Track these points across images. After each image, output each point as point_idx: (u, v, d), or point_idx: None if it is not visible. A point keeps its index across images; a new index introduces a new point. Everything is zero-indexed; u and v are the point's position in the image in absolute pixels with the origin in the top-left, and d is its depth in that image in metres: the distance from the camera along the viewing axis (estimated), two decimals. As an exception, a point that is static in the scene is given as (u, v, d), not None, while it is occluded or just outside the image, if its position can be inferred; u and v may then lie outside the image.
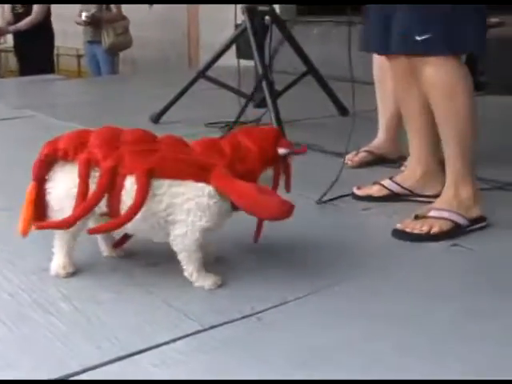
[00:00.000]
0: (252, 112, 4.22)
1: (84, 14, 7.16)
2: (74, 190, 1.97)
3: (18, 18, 7.47)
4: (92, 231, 2.02)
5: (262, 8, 4.15)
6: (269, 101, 3.81)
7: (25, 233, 2.06)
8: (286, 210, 1.90)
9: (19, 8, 7.48)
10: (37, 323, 1.83)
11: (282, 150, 2.04)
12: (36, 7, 7.38)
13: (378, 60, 3.32)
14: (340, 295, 1.97)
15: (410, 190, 2.77)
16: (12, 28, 7.44)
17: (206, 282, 2.00)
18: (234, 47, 6.93)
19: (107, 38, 7.18)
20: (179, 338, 1.75)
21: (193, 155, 2.00)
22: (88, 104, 5.28)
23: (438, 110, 2.48)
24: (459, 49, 2.43)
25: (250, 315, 1.85)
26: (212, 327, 1.80)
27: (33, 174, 2.07)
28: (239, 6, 4.26)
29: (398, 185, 2.79)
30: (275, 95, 3.94)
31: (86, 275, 2.12)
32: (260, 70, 3.97)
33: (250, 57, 4.23)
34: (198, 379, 1.58)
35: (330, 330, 1.80)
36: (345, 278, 2.05)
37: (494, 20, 5.70)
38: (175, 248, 2.00)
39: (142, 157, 1.95)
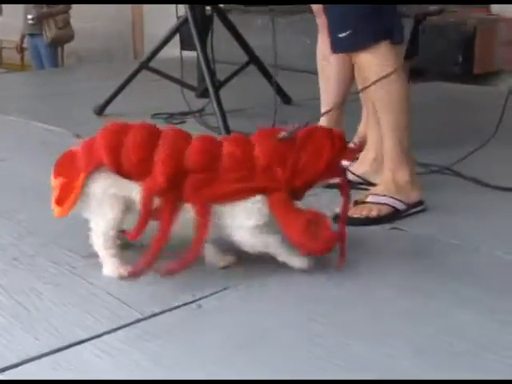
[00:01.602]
0: (196, 102, 4.22)
1: (29, 17, 7.06)
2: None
3: None
4: (168, 272, 1.91)
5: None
6: (211, 91, 3.80)
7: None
8: (327, 250, 1.95)
9: None
10: (-25, 317, 1.80)
11: (345, 163, 2.04)
12: None
13: (321, 50, 3.33)
14: (280, 282, 1.98)
15: (362, 178, 2.77)
16: None
17: (302, 261, 1.98)
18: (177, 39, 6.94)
19: (48, 32, 7.09)
20: (120, 328, 1.74)
21: (253, 176, 1.93)
22: (30, 97, 5.21)
23: (373, 97, 2.51)
24: (379, 40, 2.42)
25: (191, 302, 1.85)
26: (153, 315, 1.79)
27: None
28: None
29: (352, 173, 2.79)
30: (217, 85, 3.94)
31: (24, 268, 2.09)
32: (202, 61, 3.95)
33: (193, 48, 4.23)
34: (140, 367, 1.57)
35: (269, 314, 1.81)
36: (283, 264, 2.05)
37: (433, 8, 5.76)
38: (255, 250, 1.97)
39: (206, 186, 1.90)
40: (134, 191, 1.93)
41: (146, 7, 8.07)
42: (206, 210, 1.88)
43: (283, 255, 1.97)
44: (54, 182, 2.00)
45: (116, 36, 8.44)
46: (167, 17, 7.72)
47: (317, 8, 3.24)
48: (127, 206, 1.97)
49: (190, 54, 4.35)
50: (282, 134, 1.97)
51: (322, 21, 3.24)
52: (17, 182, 3.02)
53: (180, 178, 1.89)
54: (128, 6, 8.26)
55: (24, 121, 4.18)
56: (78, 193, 1.94)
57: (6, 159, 3.35)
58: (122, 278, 1.96)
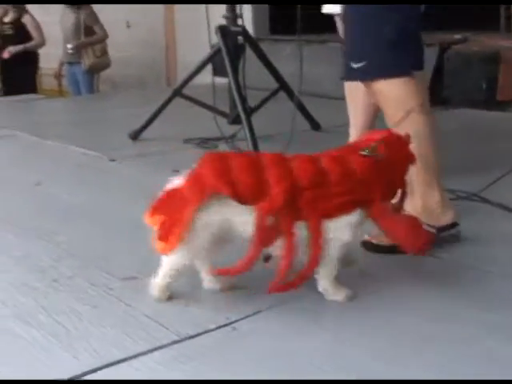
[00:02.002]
0: (227, 127, 4.23)
1: (69, 46, 7.15)
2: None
3: (5, 39, 7.44)
4: (274, 290, 1.89)
5: (234, 28, 4.15)
6: (243, 117, 3.81)
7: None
8: (429, 247, 2.04)
9: (7, 29, 7.46)
10: (17, 335, 1.80)
11: None
12: (36, 34, 7.43)
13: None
14: (311, 305, 1.96)
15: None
16: (12, 49, 7.35)
17: (340, 295, 1.96)
18: (210, 66, 6.97)
19: (87, 60, 7.16)
20: (156, 349, 1.73)
21: (355, 190, 1.93)
22: (68, 122, 5.27)
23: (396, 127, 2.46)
24: (394, 74, 2.36)
25: (225, 325, 1.84)
26: (188, 337, 1.78)
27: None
28: (213, 27, 4.27)
29: None
30: (249, 111, 3.94)
31: (64, 289, 2.10)
32: (234, 88, 3.96)
33: (225, 74, 4.25)
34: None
35: (301, 337, 1.79)
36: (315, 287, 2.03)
37: (457, 37, 5.75)
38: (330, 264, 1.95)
39: (320, 202, 1.89)
40: (245, 216, 1.87)
41: (179, 35, 8.12)
42: (320, 226, 1.88)
43: (327, 282, 1.95)
44: (152, 220, 1.92)
45: (149, 63, 8.50)
46: (199, 44, 7.77)
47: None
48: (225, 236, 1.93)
49: (221, 81, 4.36)
50: (365, 150, 1.97)
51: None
52: (55, 205, 3.03)
53: (294, 196, 1.87)
54: (161, 34, 8.33)
55: (61, 145, 4.21)
56: (186, 226, 1.85)
57: (44, 182, 3.37)
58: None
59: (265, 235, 1.85)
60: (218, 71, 4.54)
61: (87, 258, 2.34)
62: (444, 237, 2.43)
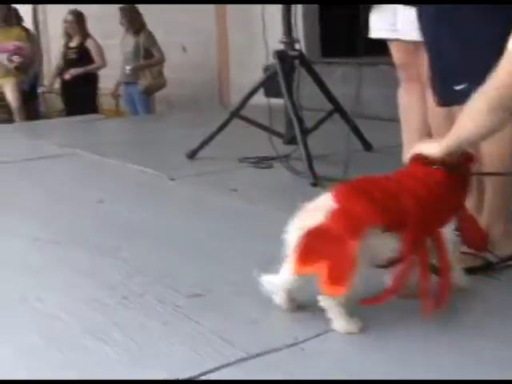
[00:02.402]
0: (282, 147, 4.21)
1: (127, 68, 7.24)
2: None
3: (69, 63, 7.58)
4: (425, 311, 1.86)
5: (292, 53, 4.15)
6: (299, 138, 3.79)
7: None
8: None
9: (72, 54, 7.60)
10: (89, 351, 1.80)
11: None
12: (98, 58, 7.55)
13: (403, 100, 3.29)
14: (379, 325, 1.92)
15: None
16: (73, 72, 7.49)
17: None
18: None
19: (143, 81, 7.23)
20: (224, 366, 1.72)
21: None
22: (127, 141, 5.28)
23: (481, 150, 2.33)
24: None
25: (293, 344, 1.81)
26: (256, 356, 1.76)
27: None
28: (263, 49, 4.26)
29: None
30: (305, 132, 3.93)
31: (134, 306, 2.09)
32: (290, 109, 3.95)
33: (275, 95, 4.25)
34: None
35: (370, 356, 1.75)
36: (382, 308, 1.99)
37: None
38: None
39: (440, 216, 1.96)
40: (391, 243, 1.85)
41: (232, 58, 8.15)
42: (443, 237, 1.94)
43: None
44: (311, 269, 1.82)
45: (203, 84, 8.54)
46: (251, 66, 7.80)
47: (402, 61, 3.20)
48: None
49: (273, 101, 4.34)
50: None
51: (406, 74, 3.21)
52: (116, 222, 3.04)
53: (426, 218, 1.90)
54: (215, 56, 8.37)
55: (121, 163, 4.23)
56: (353, 265, 1.78)
57: (105, 200, 3.39)
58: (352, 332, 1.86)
59: (411, 260, 1.85)
60: (270, 92, 4.55)
61: (153, 275, 2.34)
62: (506, 266, 2.36)
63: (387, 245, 1.85)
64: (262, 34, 4.23)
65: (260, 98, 4.60)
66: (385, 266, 1.92)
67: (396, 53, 3.23)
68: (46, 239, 2.77)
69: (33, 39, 8.21)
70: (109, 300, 2.13)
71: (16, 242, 2.75)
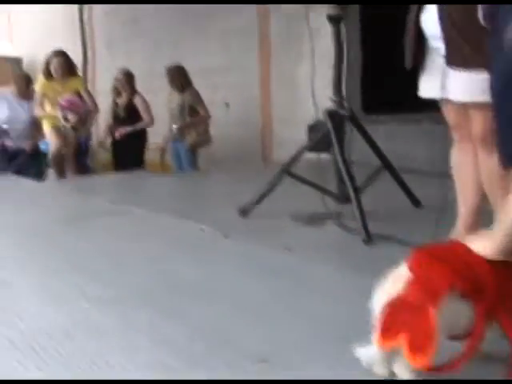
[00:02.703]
0: (332, 205, 4.18)
1: (174, 127, 7.32)
2: None
3: (117, 120, 7.67)
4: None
5: (342, 112, 4.14)
6: (353, 197, 3.76)
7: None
8: None
9: (121, 112, 7.71)
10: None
11: None
12: (146, 115, 7.59)
13: (457, 158, 3.25)
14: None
15: None
16: (122, 131, 7.57)
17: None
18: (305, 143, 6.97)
19: (189, 138, 7.30)
20: None
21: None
22: (178, 197, 5.31)
23: None
24: None
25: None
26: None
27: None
28: (312, 107, 4.25)
29: None
30: (358, 190, 3.90)
31: (201, 370, 2.05)
32: (342, 168, 3.93)
33: (320, 149, 4.24)
34: None
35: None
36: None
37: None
38: None
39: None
40: (466, 312, 1.81)
41: (275, 115, 8.20)
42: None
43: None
44: (394, 342, 1.78)
45: (246, 141, 8.58)
46: (294, 123, 7.82)
47: (455, 121, 3.18)
48: None
49: (313, 155, 4.33)
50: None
51: (459, 134, 3.18)
52: (176, 281, 3.01)
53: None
54: (258, 113, 8.42)
55: (176, 220, 4.23)
56: (435, 335, 1.73)
57: (163, 258, 3.37)
58: None
59: (483, 331, 1.79)
60: (316, 147, 4.54)
61: (218, 338, 2.29)
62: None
63: (464, 312, 1.79)
64: (311, 92, 4.22)
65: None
66: (459, 337, 1.86)
67: (448, 113, 3.21)
68: (109, 300, 2.75)
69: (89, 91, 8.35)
70: (174, 363, 2.09)
71: (81, 303, 2.73)
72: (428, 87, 3.20)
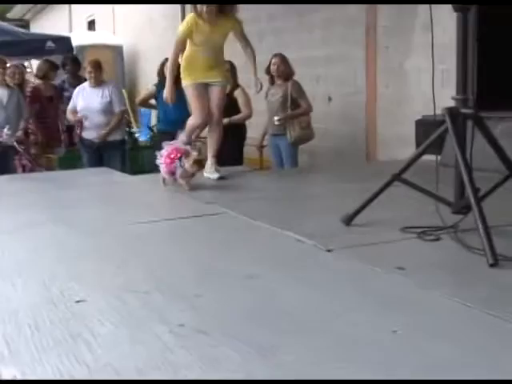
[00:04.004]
0: (448, 216, 3.63)
1: (275, 118, 6.82)
2: None
3: None
4: None
5: (465, 111, 3.57)
6: (476, 210, 3.19)
7: None
8: None
9: None
10: None
11: None
12: (244, 108, 7.06)
13: None
14: None
15: None
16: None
17: None
18: (411, 141, 6.41)
19: (292, 132, 6.79)
20: None
21: None
22: (276, 200, 4.81)
23: None
24: None
25: None
26: None
27: None
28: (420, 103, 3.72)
29: None
30: (479, 199, 3.33)
31: None
32: (464, 175, 3.37)
33: (432, 151, 3.71)
34: None
35: None
36: None
37: None
38: None
39: None
40: None
41: (380, 111, 7.65)
42: None
43: None
44: None
45: (349, 137, 8.07)
46: (400, 120, 7.27)
47: None
48: None
49: (423, 157, 3.78)
50: None
51: None
52: (272, 307, 2.54)
53: None
54: (362, 108, 7.89)
55: (273, 228, 3.76)
56: None
57: (257, 275, 2.91)
58: None
59: None
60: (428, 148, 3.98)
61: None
62: None
63: None
64: (431, 86, 3.68)
65: (409, 152, 4.05)
66: None
67: None
68: (191, 328, 2.31)
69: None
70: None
71: (159, 329, 2.30)
72: None
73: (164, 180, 5.14)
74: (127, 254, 3.35)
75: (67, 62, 9.17)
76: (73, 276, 2.97)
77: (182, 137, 5.59)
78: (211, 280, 2.89)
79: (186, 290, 2.74)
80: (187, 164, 4.87)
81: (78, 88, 7.63)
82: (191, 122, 5.62)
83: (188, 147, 5.13)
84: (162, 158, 5.08)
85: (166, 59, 7.90)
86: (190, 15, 5.45)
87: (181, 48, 5.49)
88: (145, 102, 8.12)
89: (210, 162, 5.59)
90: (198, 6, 5.29)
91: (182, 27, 5.46)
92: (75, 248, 3.51)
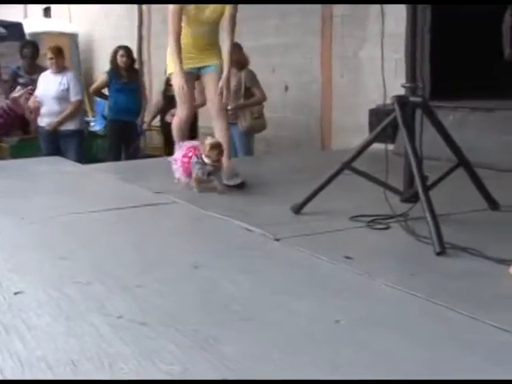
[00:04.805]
0: (397, 205, 3.61)
1: (228, 108, 6.71)
2: None
3: (169, 100, 7.13)
4: None
5: (414, 99, 3.55)
6: (424, 199, 3.18)
7: None
8: None
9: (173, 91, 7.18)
10: None
11: None
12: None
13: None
14: None
15: None
16: (174, 112, 7.01)
17: None
18: (366, 130, 6.40)
19: (244, 122, 6.71)
20: None
21: None
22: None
23: None
24: None
25: None
26: None
27: None
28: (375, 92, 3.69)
29: None
30: (428, 189, 3.31)
31: None
32: (413, 164, 3.35)
33: (383, 140, 3.69)
34: None
35: None
36: None
37: None
38: None
39: None
40: None
41: (335, 101, 7.63)
42: None
43: None
44: None
45: (304, 126, 8.04)
46: (355, 109, 7.26)
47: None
48: None
49: (375, 146, 3.76)
50: None
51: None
52: (215, 297, 2.49)
53: None
54: (318, 97, 7.86)
55: (221, 218, 3.70)
56: None
57: (202, 264, 2.86)
58: None
59: None
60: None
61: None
62: None
63: None
64: (382, 74, 3.64)
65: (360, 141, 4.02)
66: None
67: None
68: (131, 319, 2.25)
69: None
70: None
71: (98, 321, 2.24)
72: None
73: (179, 179, 4.55)
74: (72, 245, 3.27)
75: (26, 46, 8.85)
76: (13, 267, 2.89)
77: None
78: (155, 270, 2.82)
79: (128, 280, 2.68)
80: (204, 155, 4.26)
81: (42, 74, 7.46)
82: (175, 121, 5.00)
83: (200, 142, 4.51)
84: (177, 162, 4.53)
85: (119, 47, 7.83)
86: None
87: (178, 21, 4.53)
88: (98, 91, 7.98)
89: (226, 165, 4.58)
90: None
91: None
92: (18, 238, 3.42)
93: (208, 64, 4.75)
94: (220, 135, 4.67)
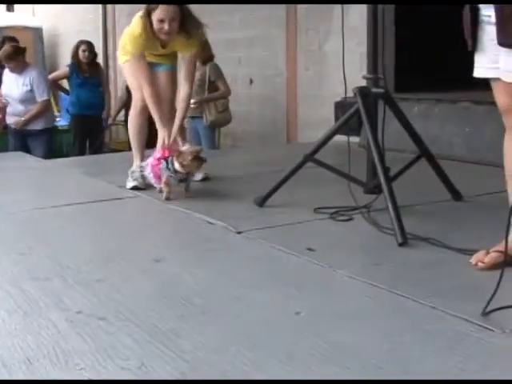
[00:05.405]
0: (361, 196, 3.61)
1: (192, 101, 6.65)
2: None
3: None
4: None
5: (376, 91, 3.55)
6: (386, 190, 3.18)
7: None
8: None
9: None
10: None
11: None
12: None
13: (509, 147, 2.69)
14: None
15: None
16: None
17: None
18: (331, 123, 6.40)
19: (209, 115, 6.67)
20: None
21: None
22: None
23: None
24: None
25: None
26: None
27: None
28: (341, 85, 3.68)
29: None
30: (390, 180, 3.32)
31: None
32: (375, 156, 3.35)
33: (346, 133, 3.68)
34: None
35: None
36: None
37: None
38: None
39: None
40: None
41: (300, 94, 7.62)
42: None
43: None
44: None
45: (270, 119, 8.02)
46: (320, 102, 7.26)
47: (506, 106, 2.63)
48: None
49: (341, 138, 3.76)
50: None
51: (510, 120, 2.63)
52: (175, 291, 2.46)
53: None
54: (283, 91, 7.84)
55: (184, 211, 3.67)
56: None
57: (163, 258, 2.83)
58: None
59: None
60: (342, 130, 3.95)
61: (218, 375, 1.75)
62: None
63: None
64: (342, 68, 3.63)
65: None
66: None
67: (499, 96, 2.66)
68: (89, 314, 2.22)
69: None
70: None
71: (56, 317, 2.20)
72: (479, 66, 2.68)
73: (160, 190, 4.06)
74: (32, 240, 3.21)
75: None
76: (-30, 264, 2.83)
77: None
78: (116, 264, 2.78)
79: (88, 275, 2.64)
80: (180, 162, 3.89)
81: (4, 71, 7.33)
82: (130, 116, 4.66)
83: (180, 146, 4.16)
84: (148, 166, 4.13)
85: (81, 42, 7.76)
86: (139, 21, 4.27)
87: (145, 69, 4.27)
88: (57, 80, 7.91)
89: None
90: (155, 23, 4.14)
91: (128, 38, 4.37)
92: (-24, 235, 3.35)
93: (164, 63, 4.55)
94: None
